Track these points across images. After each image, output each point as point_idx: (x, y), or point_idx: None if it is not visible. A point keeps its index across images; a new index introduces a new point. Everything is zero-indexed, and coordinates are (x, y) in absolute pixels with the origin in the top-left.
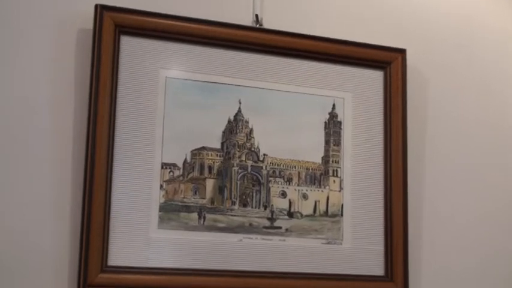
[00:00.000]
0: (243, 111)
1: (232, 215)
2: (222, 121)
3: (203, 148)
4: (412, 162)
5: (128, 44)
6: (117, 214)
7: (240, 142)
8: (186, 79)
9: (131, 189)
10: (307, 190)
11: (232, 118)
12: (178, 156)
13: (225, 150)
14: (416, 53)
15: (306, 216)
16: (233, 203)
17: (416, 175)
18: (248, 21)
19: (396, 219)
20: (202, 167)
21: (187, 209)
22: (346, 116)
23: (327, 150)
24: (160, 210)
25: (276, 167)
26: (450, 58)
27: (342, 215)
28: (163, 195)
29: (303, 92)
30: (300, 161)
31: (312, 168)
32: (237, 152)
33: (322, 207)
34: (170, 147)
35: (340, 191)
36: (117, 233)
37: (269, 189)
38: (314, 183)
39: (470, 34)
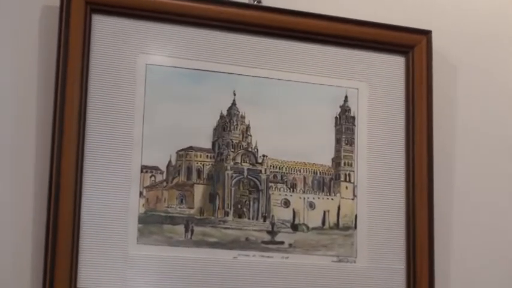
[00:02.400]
0: (238, 104)
1: (225, 228)
2: (213, 116)
3: (191, 148)
4: (439, 165)
5: (101, 24)
6: (88, 227)
7: (234, 141)
8: (170, 66)
9: (105, 198)
10: (314, 198)
11: (225, 112)
12: (161, 158)
13: (217, 151)
14: (443, 36)
15: (313, 229)
16: (226, 214)
17: (444, 180)
18: None
19: (420, 232)
20: (189, 170)
21: (172, 220)
22: (360, 110)
23: (338, 151)
24: (139, 222)
25: (277, 170)
26: (482, 42)
27: (355, 227)
28: (143, 205)
29: (310, 81)
30: (305, 164)
31: (320, 172)
32: (231, 153)
33: (332, 218)
34: (151, 147)
35: (353, 199)
36: (88, 249)
37: (269, 197)
38: (323, 190)
39: (505, 12)
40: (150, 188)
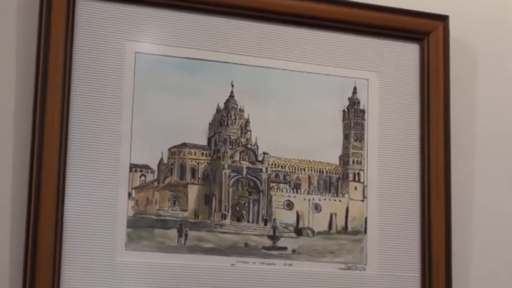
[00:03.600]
0: (236, 96)
1: (222, 232)
2: (208, 109)
3: (184, 145)
4: (457, 163)
5: (86, 9)
6: (72, 232)
7: (232, 137)
8: (162, 55)
9: (90, 200)
10: (320, 199)
11: (222, 105)
12: (152, 155)
13: (213, 148)
14: (461, 21)
15: (319, 233)
16: (223, 217)
17: (463, 180)
18: None
19: (436, 237)
20: (183, 169)
21: (164, 224)
22: (371, 103)
23: (346, 148)
24: (128, 226)
25: (279, 169)
26: (504, 28)
27: (365, 232)
28: (132, 207)
29: (315, 71)
30: (310, 162)
31: (326, 171)
32: (228, 150)
33: (339, 221)
34: (141, 144)
35: (363, 200)
36: (72, 256)
37: (270, 198)
38: (329, 191)
39: None
40: (139, 188)
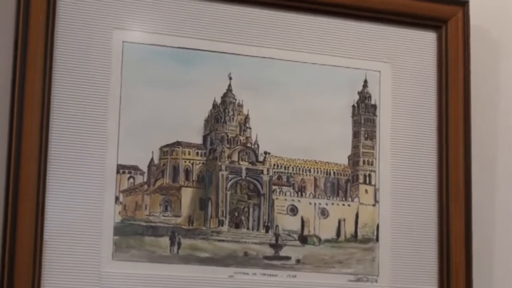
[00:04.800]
0: (234, 90)
1: (219, 241)
2: (204, 105)
3: (177, 144)
4: (479, 163)
5: None
6: (53, 241)
7: (230, 135)
8: (152, 44)
9: (73, 205)
10: (327, 204)
11: (219, 100)
12: (142, 155)
13: (209, 147)
14: (482, 6)
15: (326, 241)
16: (220, 223)
17: (485, 182)
18: None
19: (456, 246)
20: (176, 170)
21: (155, 231)
22: (383, 97)
23: (355, 147)
24: (115, 234)
25: (282, 170)
26: None
27: (377, 239)
28: (119, 212)
29: (321, 62)
30: (316, 162)
31: (334, 173)
32: (226, 150)
33: (349, 228)
34: (130, 142)
35: (374, 205)
36: (53, 267)
37: (272, 202)
38: (337, 194)
39: None
40: (128, 192)
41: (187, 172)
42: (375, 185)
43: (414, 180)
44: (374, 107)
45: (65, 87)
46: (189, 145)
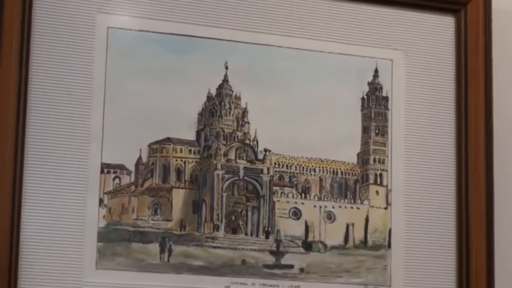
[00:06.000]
0: (231, 81)
1: (214, 247)
2: (197, 97)
3: (168, 140)
4: (501, 160)
5: None
6: (30, 248)
7: (226, 130)
8: (140, 30)
9: (52, 208)
10: (334, 207)
11: (214, 92)
12: (128, 153)
13: (203, 144)
14: None
15: (333, 248)
16: (216, 228)
17: (509, 181)
18: None
19: (476, 253)
20: (166, 170)
21: (143, 237)
22: (395, 89)
23: (365, 144)
24: (99, 240)
25: (284, 169)
26: None
27: (389, 246)
28: (104, 216)
29: (328, 50)
30: (322, 161)
31: (341, 172)
32: (222, 147)
33: (358, 233)
34: (115, 139)
35: (386, 207)
36: (31, 277)
37: (273, 205)
38: (345, 196)
39: None
40: (113, 193)
41: (179, 172)
42: (386, 186)
43: (430, 181)
44: (385, 99)
45: (43, 78)
46: (181, 142)
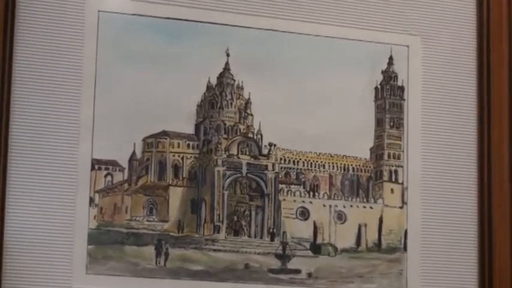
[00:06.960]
0: (233, 69)
1: (215, 250)
2: (196, 87)
3: (164, 134)
4: None
5: None
6: (15, 251)
7: (228, 123)
8: (133, 14)
9: (39, 208)
10: (345, 206)
11: (214, 81)
12: (121, 148)
13: (203, 138)
14: None
15: (344, 251)
16: (217, 230)
17: None
18: None
19: (500, 257)
20: (162, 166)
21: (138, 239)
22: (412, 77)
23: (379, 137)
24: (90, 243)
25: (290, 166)
26: None
27: (405, 249)
28: (95, 217)
29: (338, 35)
30: (332, 156)
31: (353, 168)
32: (223, 141)
33: (371, 235)
34: (107, 132)
35: (402, 207)
36: (16, 282)
37: (279, 204)
38: (357, 195)
39: None
40: (105, 192)
41: (177, 168)
42: (402, 183)
43: (450, 177)
44: (401, 89)
45: (29, 66)
46: (179, 135)
